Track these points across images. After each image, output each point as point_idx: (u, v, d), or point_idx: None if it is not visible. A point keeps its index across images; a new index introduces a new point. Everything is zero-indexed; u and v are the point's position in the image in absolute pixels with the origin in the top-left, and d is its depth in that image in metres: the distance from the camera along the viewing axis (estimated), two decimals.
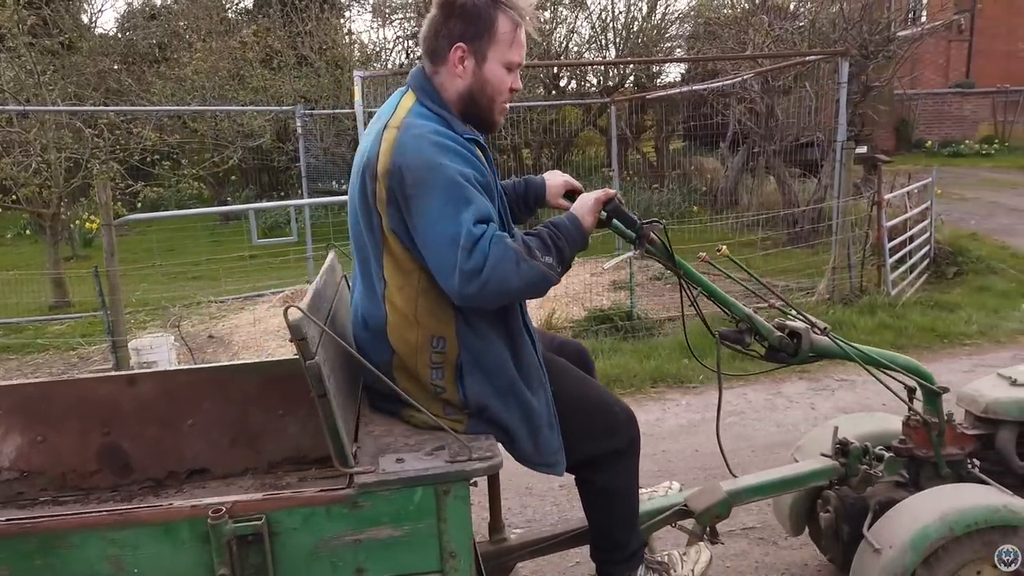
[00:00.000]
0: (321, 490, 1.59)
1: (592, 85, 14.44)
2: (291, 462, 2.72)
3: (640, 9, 13.55)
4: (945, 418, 2.25)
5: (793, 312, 2.20)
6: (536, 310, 5.84)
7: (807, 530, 2.66)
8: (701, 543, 2.17)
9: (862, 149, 11.48)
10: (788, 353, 2.17)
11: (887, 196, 6.84)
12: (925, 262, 7.40)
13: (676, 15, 14.14)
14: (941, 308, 6.07)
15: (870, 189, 9.61)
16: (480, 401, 1.79)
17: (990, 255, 7.67)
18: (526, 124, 11.56)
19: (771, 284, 4.58)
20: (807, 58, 8.08)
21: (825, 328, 2.15)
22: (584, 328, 5.77)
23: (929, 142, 18.89)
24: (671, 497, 2.30)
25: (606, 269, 8.04)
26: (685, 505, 2.24)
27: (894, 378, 2.24)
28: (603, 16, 13.75)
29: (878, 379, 2.22)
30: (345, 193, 2.23)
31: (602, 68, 13.87)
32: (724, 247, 2.12)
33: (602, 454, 1.94)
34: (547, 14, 12.79)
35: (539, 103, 12.38)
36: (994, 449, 2.30)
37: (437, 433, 1.78)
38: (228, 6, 15.61)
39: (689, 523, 2.27)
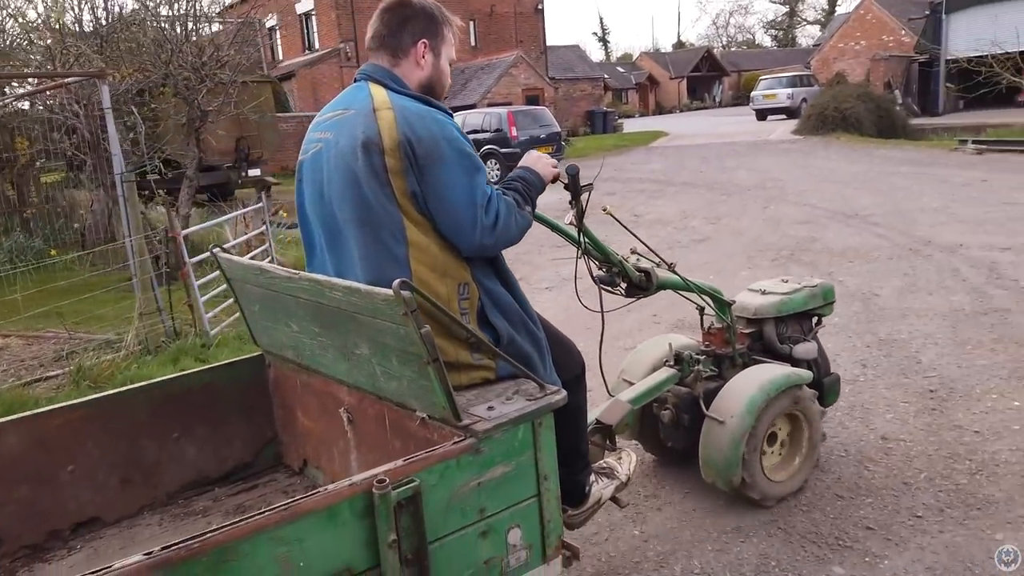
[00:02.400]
0: (453, 442, 1.73)
1: None
2: (191, 487, 2.53)
3: None
4: (733, 322, 3.14)
5: (652, 256, 2.85)
6: None
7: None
8: (627, 449, 2.71)
9: (255, 171, 13.48)
10: (643, 288, 2.81)
11: (192, 229, 6.62)
12: None
13: None
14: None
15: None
16: (508, 334, 2.06)
17: None
18: None
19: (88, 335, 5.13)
20: (66, 80, 7.49)
21: (672, 264, 2.85)
22: None
23: None
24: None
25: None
26: (598, 422, 2.75)
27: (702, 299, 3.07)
28: None
29: (701, 298, 3.01)
30: None
31: None
32: (608, 207, 2.67)
33: (569, 379, 2.33)
34: None
35: None
36: (762, 340, 3.27)
37: (488, 387, 2.00)
38: None
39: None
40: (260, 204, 7.64)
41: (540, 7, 32.85)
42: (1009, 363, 4.26)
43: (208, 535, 1.41)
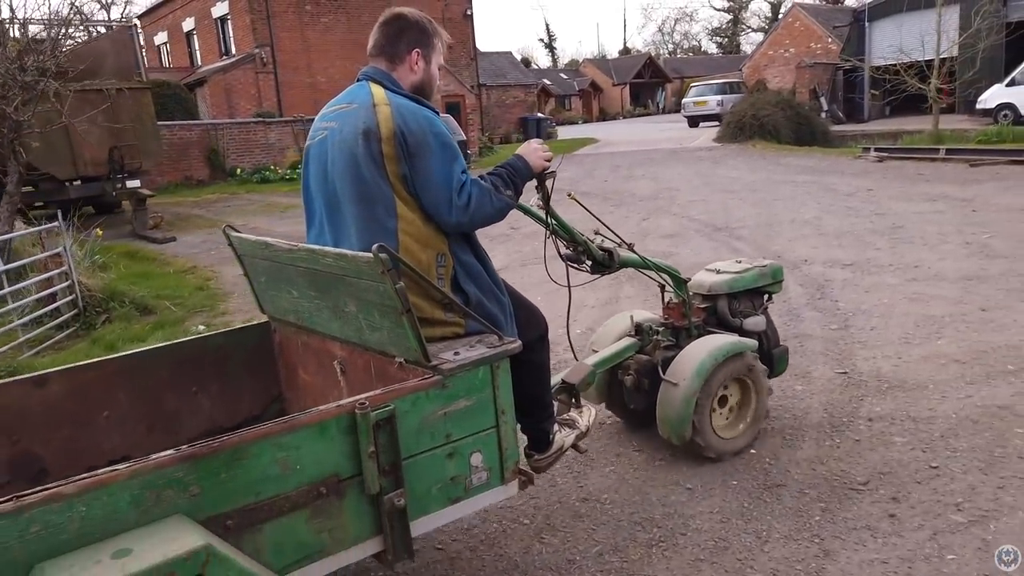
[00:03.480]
0: (422, 379, 2.11)
1: None
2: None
3: None
4: (689, 298, 3.51)
5: (611, 236, 3.23)
6: None
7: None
8: (588, 404, 3.09)
9: (134, 183, 12.72)
10: (606, 265, 3.19)
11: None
12: (72, 313, 6.52)
13: None
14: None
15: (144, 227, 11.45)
16: (476, 297, 2.43)
17: (152, 295, 7.41)
18: None
19: None
20: None
21: (631, 244, 3.23)
22: None
23: (238, 170, 20.09)
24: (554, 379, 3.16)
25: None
26: (564, 381, 3.13)
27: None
28: None
29: (659, 276, 3.39)
30: None
31: None
32: (572, 193, 3.05)
33: (533, 339, 2.71)
34: None
35: None
36: (716, 314, 3.64)
37: (458, 340, 2.38)
38: None
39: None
40: (56, 224, 6.79)
41: (469, 13, 32.33)
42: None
43: (225, 438, 1.80)
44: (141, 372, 2.77)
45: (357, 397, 2.00)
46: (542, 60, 64.23)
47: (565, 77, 53.57)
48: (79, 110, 10.45)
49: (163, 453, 1.74)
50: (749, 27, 61.32)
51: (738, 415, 3.47)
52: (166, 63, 31.76)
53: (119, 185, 12.41)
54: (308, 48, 26.27)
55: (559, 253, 3.10)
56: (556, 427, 2.91)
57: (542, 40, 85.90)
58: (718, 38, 64.98)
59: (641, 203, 11.91)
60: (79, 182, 12.43)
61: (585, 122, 47.47)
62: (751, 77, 30.89)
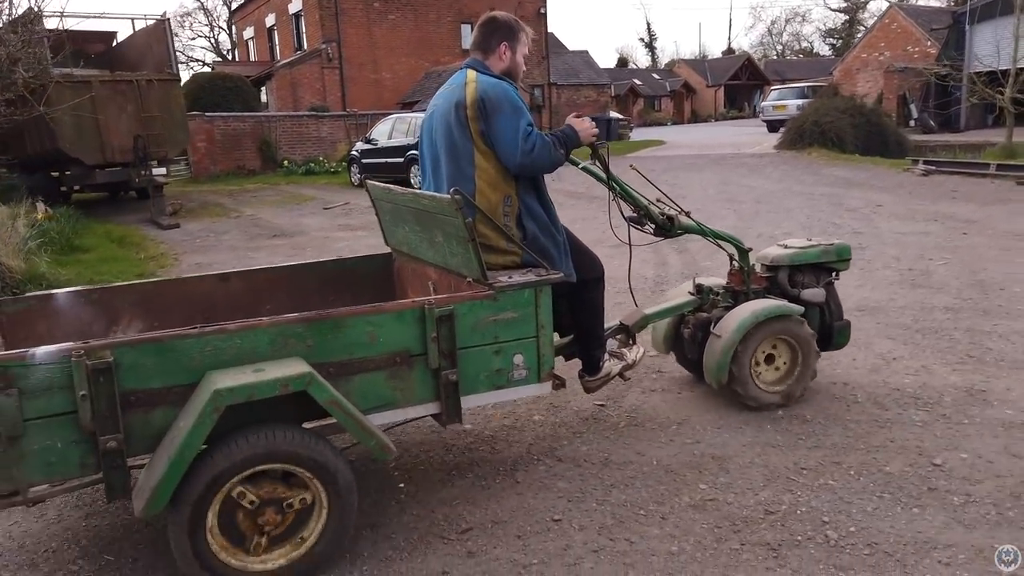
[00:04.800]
0: (478, 292, 2.84)
1: None
2: None
3: None
4: (750, 266, 3.98)
5: (671, 204, 3.78)
6: None
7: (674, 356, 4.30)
8: (637, 344, 3.69)
9: (160, 171, 13.02)
10: (666, 229, 3.74)
11: None
12: None
13: None
14: None
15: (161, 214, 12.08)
16: (533, 233, 3.12)
17: (79, 279, 7.59)
18: None
19: None
20: None
21: (688, 212, 3.77)
22: None
23: (286, 161, 21.31)
24: (614, 323, 3.78)
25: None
26: (621, 323, 3.74)
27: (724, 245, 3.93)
28: None
29: (719, 245, 3.90)
30: None
31: None
32: (633, 164, 3.64)
33: (589, 279, 3.35)
34: None
35: None
36: (777, 284, 4.07)
37: (517, 269, 3.08)
38: None
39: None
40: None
41: (543, 11, 32.26)
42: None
43: (332, 311, 2.62)
44: (296, 280, 3.71)
45: (427, 298, 2.76)
46: (642, 60, 64.69)
47: (657, 78, 53.08)
48: (110, 100, 11.19)
49: (290, 315, 2.59)
50: (865, 27, 56.61)
51: (786, 373, 3.89)
52: (253, 57, 33.15)
53: (143, 172, 12.86)
54: (374, 45, 26.85)
55: (622, 215, 3.70)
56: (607, 357, 3.55)
57: (642, 39, 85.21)
58: (831, 40, 61.14)
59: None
60: (107, 169, 12.99)
61: (674, 123, 47.12)
62: (843, 81, 29.15)
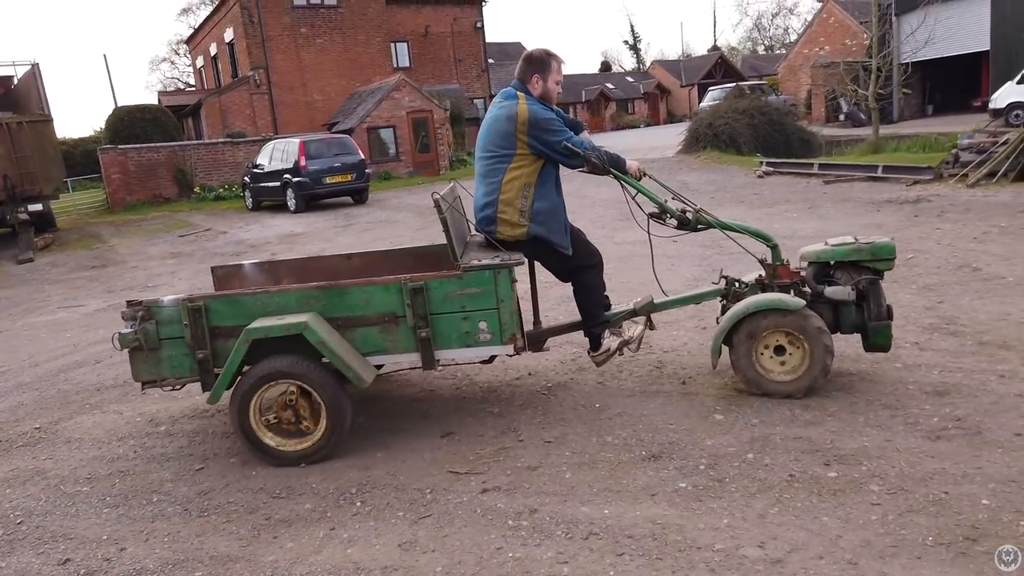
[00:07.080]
0: (447, 271, 3.77)
1: None
2: None
3: None
4: (780, 261, 4.17)
5: (686, 203, 4.19)
6: None
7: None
8: (636, 322, 4.23)
9: (36, 207, 13.32)
10: (684, 224, 4.17)
11: None
12: None
13: None
14: None
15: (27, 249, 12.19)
16: (541, 209, 3.94)
17: None
18: None
19: None
20: None
21: (699, 208, 4.15)
22: None
23: (198, 188, 21.59)
24: (624, 307, 4.35)
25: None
26: (633, 307, 4.29)
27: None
28: None
29: (733, 239, 4.20)
30: None
31: None
32: (647, 172, 4.16)
33: (586, 265, 4.04)
34: None
35: None
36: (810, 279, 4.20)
37: (498, 251, 3.91)
38: None
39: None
40: None
41: (479, 25, 32.97)
42: None
43: (337, 283, 3.78)
44: (397, 259, 4.95)
45: (405, 275, 3.78)
46: (628, 63, 64.64)
47: (631, 80, 51.41)
48: None
49: (309, 284, 3.81)
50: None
51: (796, 366, 4.02)
52: (206, 85, 34.22)
53: (17, 209, 14.09)
54: (303, 68, 27.48)
55: (644, 211, 4.23)
56: (607, 333, 4.18)
57: (626, 42, 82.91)
58: None
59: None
60: None
61: (648, 126, 46.02)
62: (788, 78, 30.08)
